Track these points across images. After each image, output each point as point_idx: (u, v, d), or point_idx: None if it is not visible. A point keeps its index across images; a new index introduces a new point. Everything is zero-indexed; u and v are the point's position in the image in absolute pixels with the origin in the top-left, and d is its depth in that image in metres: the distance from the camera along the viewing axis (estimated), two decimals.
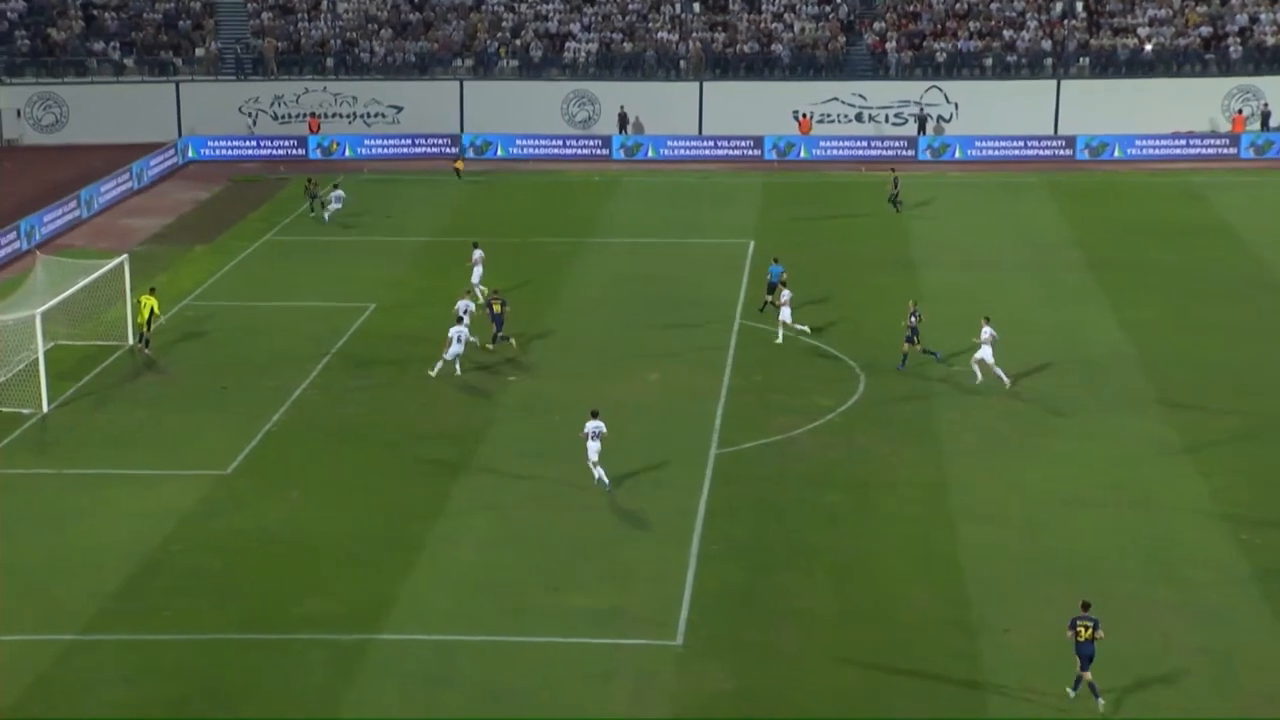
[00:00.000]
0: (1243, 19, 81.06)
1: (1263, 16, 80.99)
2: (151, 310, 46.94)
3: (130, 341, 47.74)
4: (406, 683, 29.05)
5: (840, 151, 76.24)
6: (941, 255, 58.22)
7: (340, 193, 63.86)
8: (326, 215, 63.23)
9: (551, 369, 45.97)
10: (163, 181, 72.66)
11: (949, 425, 41.31)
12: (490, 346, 46.70)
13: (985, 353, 43.29)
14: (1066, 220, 63.61)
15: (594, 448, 36.94)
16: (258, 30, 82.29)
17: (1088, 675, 28.05)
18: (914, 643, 30.31)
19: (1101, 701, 28.01)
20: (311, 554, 34.23)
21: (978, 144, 76.10)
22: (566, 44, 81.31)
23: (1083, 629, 27.99)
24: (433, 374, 44.49)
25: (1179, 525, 35.43)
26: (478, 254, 52.35)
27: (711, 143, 77.07)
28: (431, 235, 60.54)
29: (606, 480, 36.96)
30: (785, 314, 47.41)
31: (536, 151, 76.78)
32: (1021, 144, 76.20)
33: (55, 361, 44.84)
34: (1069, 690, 28.35)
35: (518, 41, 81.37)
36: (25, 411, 42.33)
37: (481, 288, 50.48)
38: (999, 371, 43.35)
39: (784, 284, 48.34)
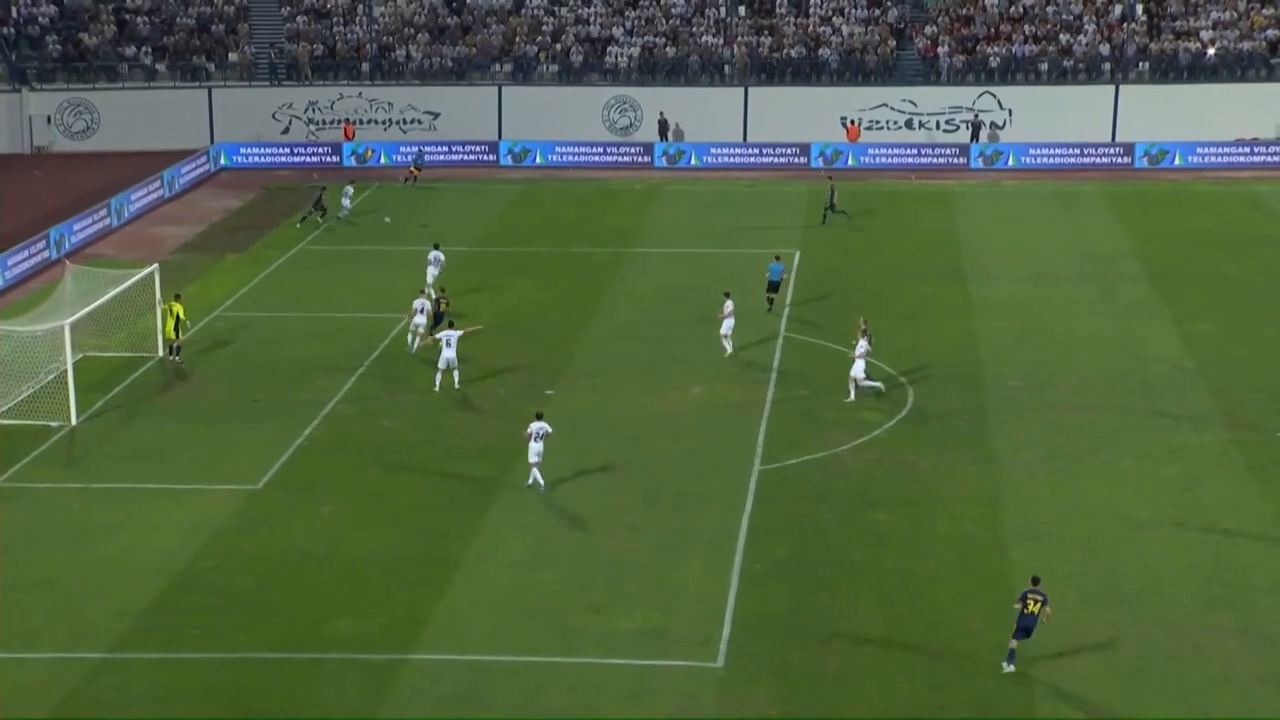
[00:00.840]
0: None
1: None
2: (178, 317, 46.54)
3: (160, 353, 47.41)
4: (441, 704, 28.67)
5: (889, 159, 75.33)
6: (994, 266, 57.49)
7: (350, 189, 65.26)
8: (344, 207, 64.42)
9: (590, 382, 45.48)
10: (194, 189, 72.35)
11: (1003, 440, 40.64)
12: (431, 339, 46.23)
13: (858, 367, 42.67)
14: (1125, 230, 62.72)
15: (535, 449, 37.13)
16: (292, 35, 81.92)
17: (1014, 643, 28.95)
18: (965, 667, 29.67)
19: (1011, 667, 29.04)
20: (344, 571, 33.81)
21: (1033, 151, 75.10)
22: (608, 49, 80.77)
23: (1032, 602, 28.91)
24: (457, 386, 44.12)
25: (1241, 548, 34.64)
26: (437, 254, 53.11)
27: (756, 150, 76.29)
28: (469, 245, 60.09)
29: (542, 483, 37.26)
30: (727, 326, 46.59)
31: (576, 159, 76.21)
32: (1078, 151, 75.12)
33: (84, 373, 44.58)
34: (1005, 664, 29.03)
35: (558, 46, 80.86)
36: (54, 424, 42.07)
37: (434, 289, 50.52)
38: (873, 384, 43.02)
39: (728, 296, 47.35)
